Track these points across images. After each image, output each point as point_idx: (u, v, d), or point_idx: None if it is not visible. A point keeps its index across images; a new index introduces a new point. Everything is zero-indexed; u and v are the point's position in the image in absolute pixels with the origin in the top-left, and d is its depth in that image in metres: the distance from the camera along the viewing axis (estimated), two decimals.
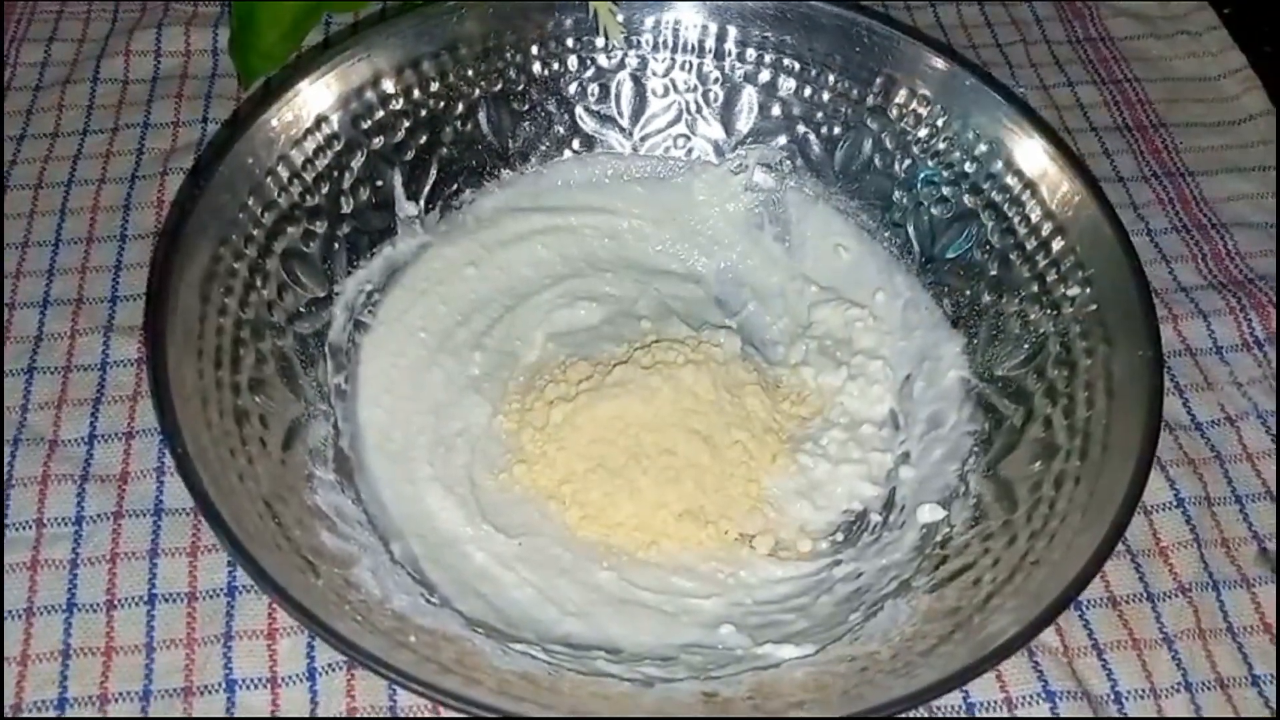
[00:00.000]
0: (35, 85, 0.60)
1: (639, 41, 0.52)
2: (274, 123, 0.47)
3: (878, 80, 0.50)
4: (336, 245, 0.49)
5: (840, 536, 0.46)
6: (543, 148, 0.53)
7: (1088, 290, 0.45)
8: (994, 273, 0.48)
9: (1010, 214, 0.47)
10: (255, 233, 0.46)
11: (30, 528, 0.45)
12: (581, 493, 0.44)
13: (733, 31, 0.52)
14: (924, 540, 0.44)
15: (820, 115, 0.52)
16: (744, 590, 0.44)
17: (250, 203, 0.46)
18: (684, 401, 0.45)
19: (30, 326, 0.51)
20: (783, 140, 0.53)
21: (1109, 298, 0.44)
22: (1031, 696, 0.42)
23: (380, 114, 0.50)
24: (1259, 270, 0.55)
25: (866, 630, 0.40)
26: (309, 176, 0.48)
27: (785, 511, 0.46)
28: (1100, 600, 0.45)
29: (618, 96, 0.53)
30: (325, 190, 0.48)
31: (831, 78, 0.51)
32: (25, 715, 0.40)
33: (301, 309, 0.47)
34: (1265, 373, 0.51)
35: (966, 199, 0.49)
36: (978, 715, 0.41)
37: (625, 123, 0.54)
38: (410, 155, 0.51)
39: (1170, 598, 0.45)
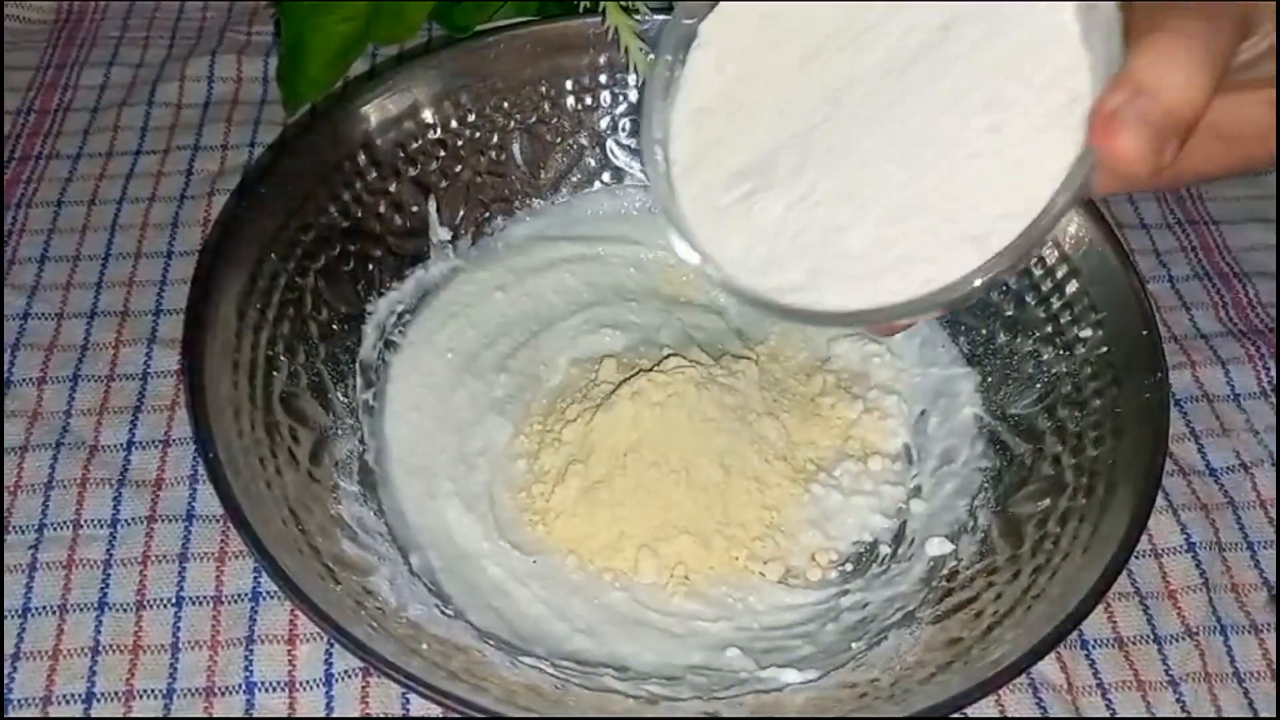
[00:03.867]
0: (94, 107, 0.63)
1: None
2: (317, 148, 0.49)
3: None
4: (371, 267, 0.51)
5: (849, 566, 0.46)
6: (574, 179, 0.55)
7: (1099, 332, 0.45)
8: (1009, 312, 0.49)
9: None
10: (294, 253, 0.48)
11: (68, 528, 0.46)
12: (590, 513, 0.45)
13: None
14: (931, 573, 0.44)
15: None
16: (752, 615, 0.44)
17: (290, 224, 0.48)
18: (700, 423, 0.46)
19: (77, 336, 0.53)
20: None
21: (1120, 340, 0.44)
22: None
23: (418, 142, 0.52)
24: None
25: (869, 658, 0.41)
26: (347, 200, 0.50)
27: (796, 540, 0.46)
28: (1107, 640, 0.45)
29: None
30: (362, 214, 0.50)
31: None
32: (54, 706, 0.42)
33: (335, 327, 0.49)
34: (1278, 421, 0.52)
35: None
36: None
37: None
38: (445, 183, 0.53)
39: (1177, 640, 0.45)
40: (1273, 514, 0.49)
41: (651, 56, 0.49)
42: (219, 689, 0.43)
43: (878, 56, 0.32)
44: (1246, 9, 0.30)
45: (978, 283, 0.30)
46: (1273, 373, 0.53)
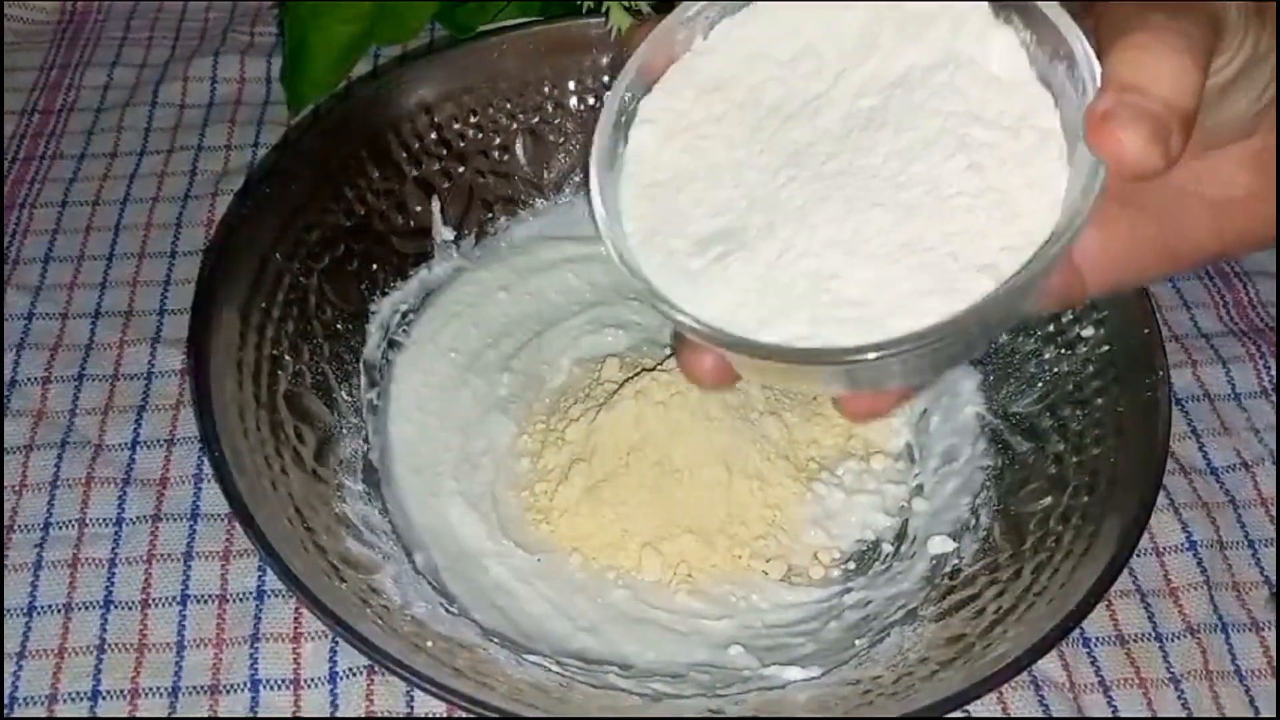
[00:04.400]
0: (97, 107, 0.63)
1: None
2: (320, 149, 0.50)
3: None
4: (374, 266, 0.51)
5: (852, 565, 0.46)
6: (577, 179, 0.55)
7: (1101, 331, 0.45)
8: None
9: None
10: (298, 252, 0.48)
11: (73, 527, 0.47)
12: (594, 512, 0.46)
13: None
14: (933, 571, 0.45)
15: None
16: (755, 614, 0.45)
17: (294, 224, 0.48)
18: (703, 422, 0.46)
19: (82, 336, 0.53)
20: None
21: (1121, 339, 0.45)
22: None
23: (422, 143, 0.52)
24: None
25: (872, 656, 0.41)
26: (351, 200, 0.50)
27: (799, 538, 0.47)
28: (1108, 638, 0.45)
29: None
30: (366, 214, 0.51)
31: None
32: (60, 704, 0.42)
33: (339, 326, 0.49)
34: (1277, 420, 0.52)
35: None
36: None
37: None
38: (449, 183, 0.53)
39: (1179, 638, 0.45)
40: (1273, 512, 0.49)
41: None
42: (224, 687, 0.43)
43: (831, 120, 0.31)
44: (1214, 9, 0.30)
45: (996, 304, 0.28)
46: (1273, 372, 0.53)
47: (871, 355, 0.28)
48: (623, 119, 0.32)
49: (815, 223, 0.30)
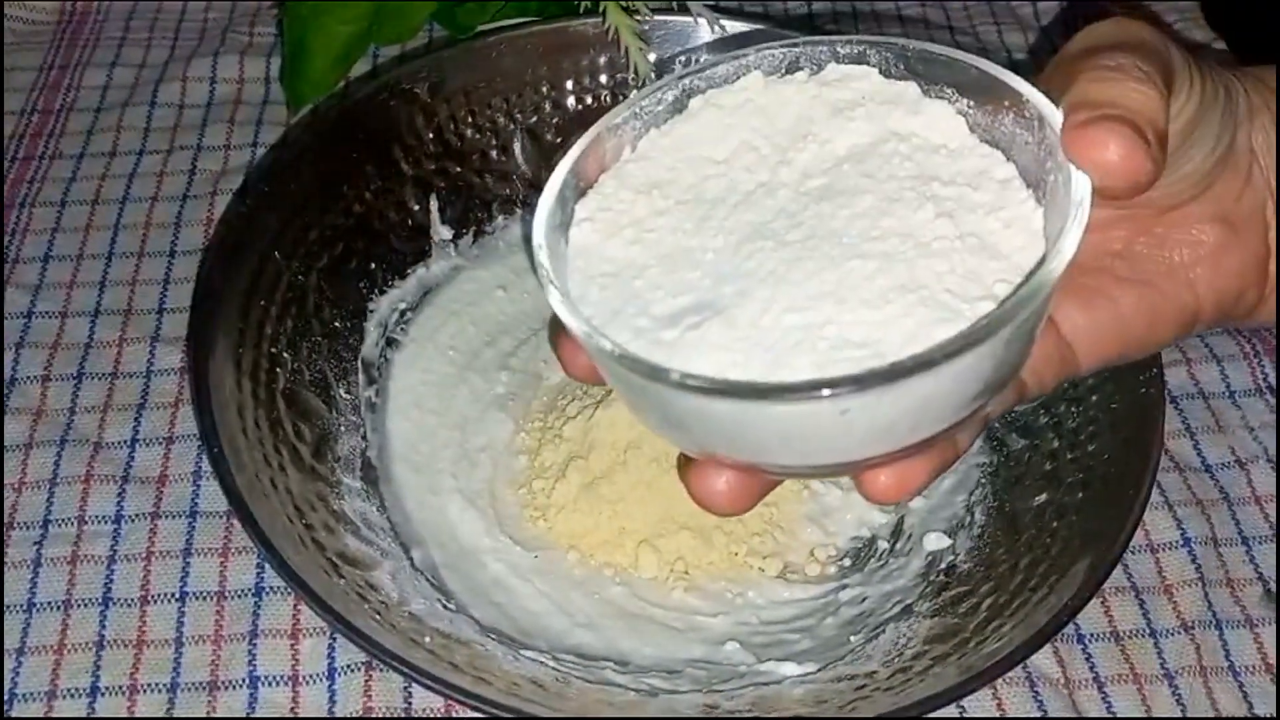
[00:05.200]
0: (97, 107, 0.63)
1: None
2: (319, 148, 0.50)
3: None
4: (373, 265, 0.51)
5: (848, 561, 0.47)
6: None
7: None
8: None
9: None
10: (296, 251, 0.48)
11: (72, 524, 0.47)
12: (591, 508, 0.46)
13: None
14: (929, 567, 0.45)
15: None
16: (751, 610, 0.45)
17: (293, 223, 0.48)
18: None
19: (81, 334, 0.53)
20: None
21: None
22: None
23: (420, 142, 0.52)
24: None
25: (867, 651, 0.42)
26: (349, 199, 0.50)
27: (795, 535, 0.47)
28: (1103, 634, 0.45)
29: None
30: (364, 213, 0.51)
31: None
32: (59, 700, 0.42)
33: (337, 325, 0.49)
34: (1276, 418, 0.52)
35: None
36: None
37: None
38: (447, 182, 0.53)
39: (1173, 635, 0.45)
40: (1267, 509, 0.49)
41: (646, 49, 0.49)
42: (222, 683, 0.43)
43: (784, 200, 0.30)
44: (1159, 51, 0.30)
45: (1019, 307, 0.26)
46: (1267, 369, 0.53)
47: (930, 364, 0.25)
48: (558, 221, 0.31)
49: (795, 280, 0.28)
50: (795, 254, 0.29)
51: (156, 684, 0.43)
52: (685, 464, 0.32)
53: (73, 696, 0.42)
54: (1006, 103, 0.30)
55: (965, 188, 0.30)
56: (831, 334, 0.27)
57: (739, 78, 0.33)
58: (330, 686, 0.43)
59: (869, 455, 0.29)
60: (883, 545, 0.47)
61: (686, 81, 0.33)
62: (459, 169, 0.53)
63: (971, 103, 0.31)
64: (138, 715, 0.42)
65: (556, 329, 0.30)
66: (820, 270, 0.28)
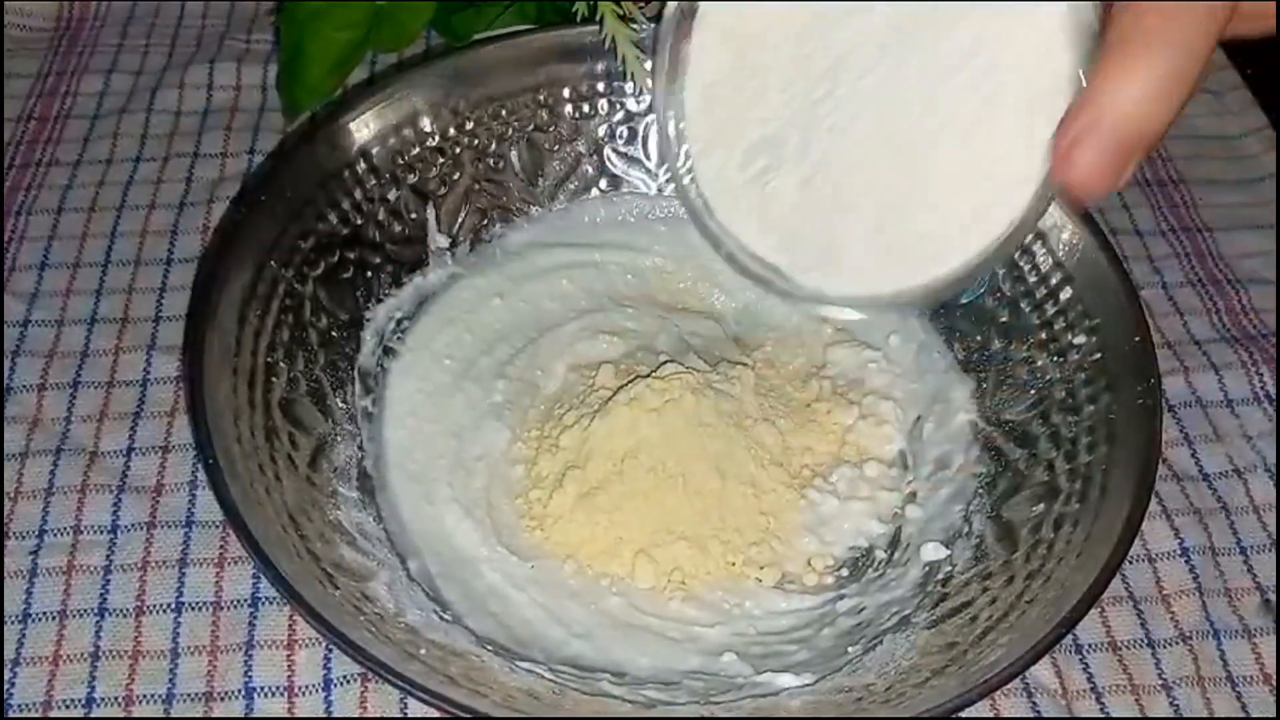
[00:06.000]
0: (93, 114, 0.63)
1: None
2: (316, 155, 0.50)
3: None
4: (370, 274, 0.51)
5: (845, 572, 0.46)
6: (571, 186, 0.55)
7: (1093, 338, 0.46)
8: (1004, 319, 0.49)
9: (1021, 262, 0.48)
10: (293, 259, 0.48)
11: (68, 534, 0.47)
12: (588, 518, 0.46)
13: None
14: (926, 578, 0.45)
15: None
16: (748, 621, 0.45)
17: (289, 231, 0.48)
18: (697, 429, 0.47)
19: (77, 342, 0.53)
20: None
21: (1113, 346, 0.45)
22: None
23: (417, 150, 0.52)
24: (1272, 326, 0.56)
25: (865, 663, 0.41)
26: (346, 207, 0.50)
27: (793, 545, 0.47)
28: (1101, 644, 0.45)
29: (644, 139, 0.55)
30: (361, 221, 0.51)
31: None
32: (54, 710, 0.42)
33: (334, 333, 0.49)
34: (1275, 427, 0.52)
35: None
36: None
37: (651, 164, 0.55)
38: (444, 190, 0.53)
39: (1171, 645, 0.45)
40: (1265, 519, 0.49)
41: (643, 57, 0.51)
42: (218, 694, 0.43)
43: (876, 22, 0.33)
44: None
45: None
46: (1265, 378, 0.53)
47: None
48: (684, 21, 0.36)
49: (840, 149, 0.35)
50: (855, 111, 0.35)
51: (152, 694, 0.43)
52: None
53: (68, 707, 0.42)
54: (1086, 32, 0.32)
55: (1030, 67, 0.32)
56: (843, 225, 0.37)
57: None
58: (326, 697, 0.43)
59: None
60: (880, 555, 0.47)
61: None
62: (456, 177, 0.53)
63: None
64: None
65: None
66: (868, 137, 0.35)
